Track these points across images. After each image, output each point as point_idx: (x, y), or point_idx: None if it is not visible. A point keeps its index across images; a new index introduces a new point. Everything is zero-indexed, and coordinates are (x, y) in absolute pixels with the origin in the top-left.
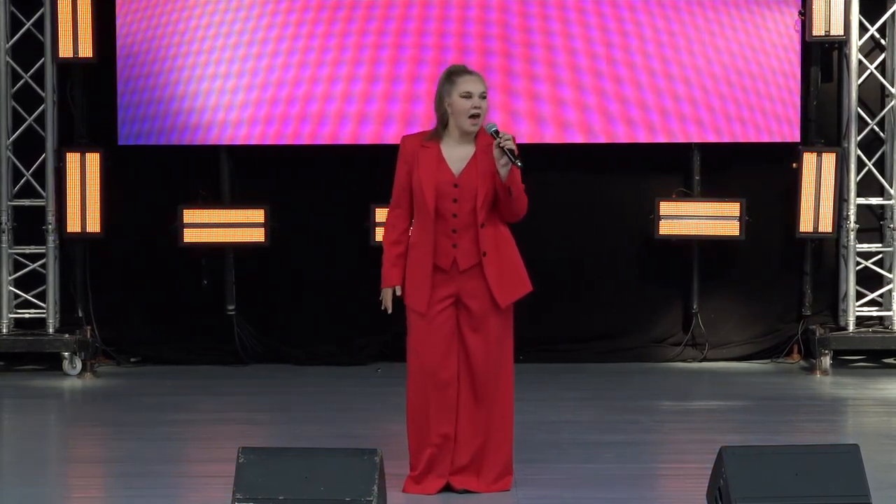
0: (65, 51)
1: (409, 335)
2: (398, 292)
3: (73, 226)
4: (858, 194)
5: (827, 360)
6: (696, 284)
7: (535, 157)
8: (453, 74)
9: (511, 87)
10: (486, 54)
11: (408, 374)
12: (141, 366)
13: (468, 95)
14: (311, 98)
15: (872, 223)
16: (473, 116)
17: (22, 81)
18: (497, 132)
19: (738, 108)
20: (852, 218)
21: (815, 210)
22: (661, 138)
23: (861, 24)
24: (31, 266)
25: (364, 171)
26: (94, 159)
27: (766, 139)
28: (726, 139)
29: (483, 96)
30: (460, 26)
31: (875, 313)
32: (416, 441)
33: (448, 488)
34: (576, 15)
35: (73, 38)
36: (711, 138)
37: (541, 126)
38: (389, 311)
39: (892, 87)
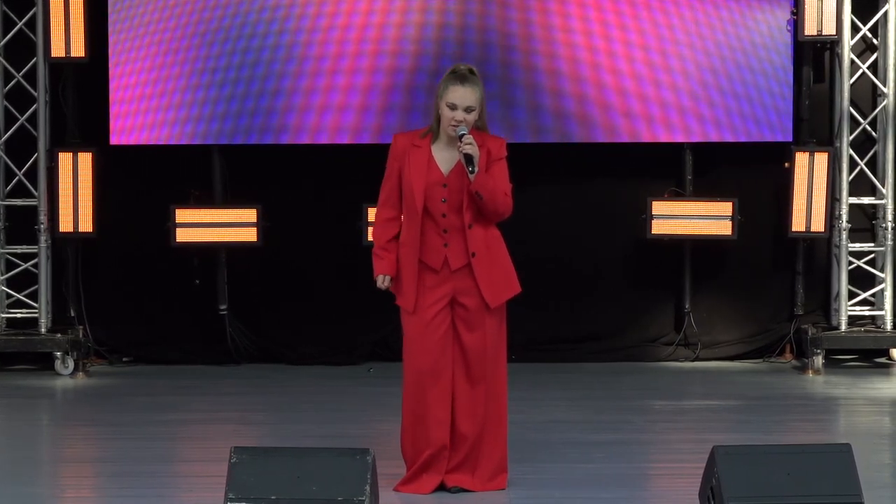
0: (57, 50)
1: (404, 336)
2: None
3: (65, 225)
4: (850, 194)
5: (819, 360)
6: (688, 284)
7: (528, 157)
8: (450, 80)
9: (509, 89)
10: (484, 62)
11: (403, 375)
12: (133, 365)
13: (452, 107)
14: (305, 98)
15: (864, 223)
16: (453, 126)
17: (14, 81)
18: (462, 136)
19: (730, 108)
20: (844, 217)
21: (807, 210)
22: (654, 138)
23: (853, 24)
24: (24, 266)
25: (357, 170)
26: (86, 159)
27: (758, 139)
28: (718, 139)
29: (469, 109)
30: (460, 34)
31: (867, 313)
32: (412, 441)
33: (441, 487)
34: (560, 20)
35: (66, 37)
36: (703, 138)
37: (538, 126)
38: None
39: (884, 86)
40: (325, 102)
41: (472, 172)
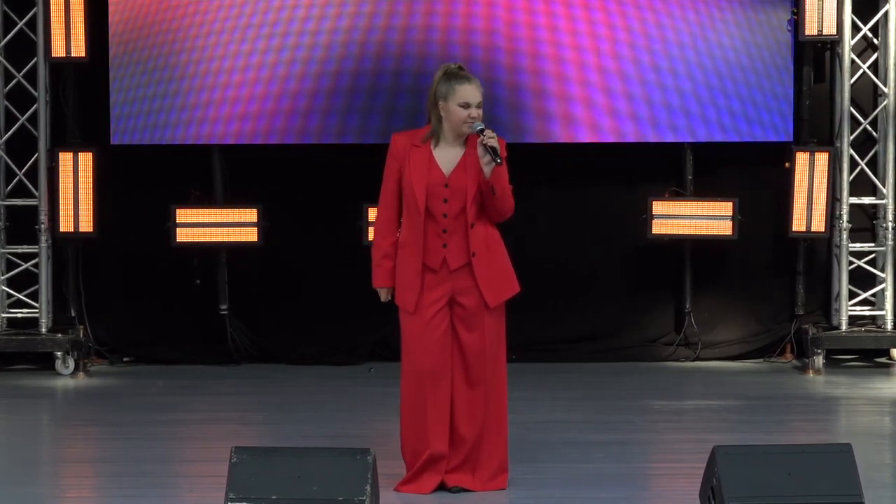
0: (57, 50)
1: (403, 335)
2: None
3: (65, 225)
4: (851, 194)
5: (819, 360)
6: (688, 284)
7: (528, 157)
8: (452, 78)
9: (506, 90)
10: (472, 61)
11: (402, 375)
12: (134, 365)
13: (465, 106)
14: (303, 97)
15: (865, 223)
16: (468, 124)
17: (14, 81)
18: (482, 130)
19: (731, 108)
20: (845, 217)
21: (807, 209)
22: (654, 138)
23: (854, 24)
24: (24, 266)
25: (357, 170)
26: (86, 159)
27: (758, 139)
28: (719, 139)
29: (479, 105)
30: (444, 35)
31: (867, 312)
32: (411, 441)
33: (441, 487)
34: (566, 23)
35: (66, 37)
36: (704, 138)
37: (536, 126)
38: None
39: (885, 86)
40: (310, 105)
41: (497, 163)
